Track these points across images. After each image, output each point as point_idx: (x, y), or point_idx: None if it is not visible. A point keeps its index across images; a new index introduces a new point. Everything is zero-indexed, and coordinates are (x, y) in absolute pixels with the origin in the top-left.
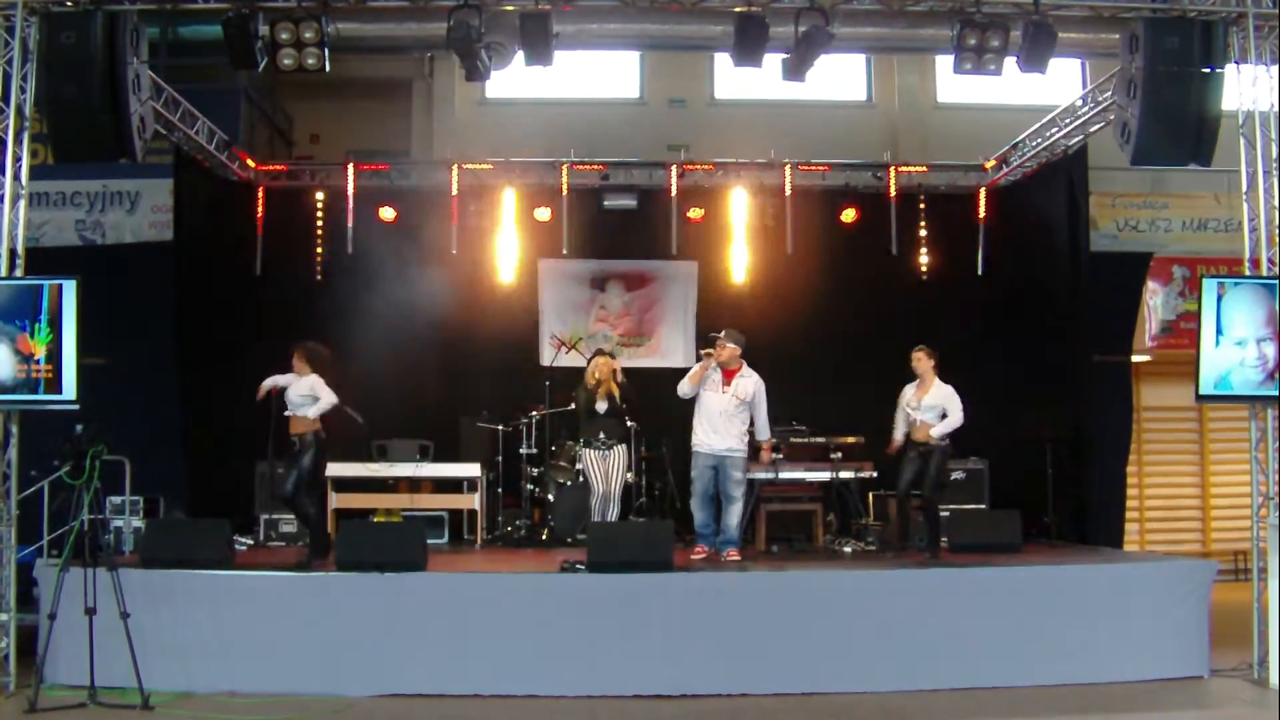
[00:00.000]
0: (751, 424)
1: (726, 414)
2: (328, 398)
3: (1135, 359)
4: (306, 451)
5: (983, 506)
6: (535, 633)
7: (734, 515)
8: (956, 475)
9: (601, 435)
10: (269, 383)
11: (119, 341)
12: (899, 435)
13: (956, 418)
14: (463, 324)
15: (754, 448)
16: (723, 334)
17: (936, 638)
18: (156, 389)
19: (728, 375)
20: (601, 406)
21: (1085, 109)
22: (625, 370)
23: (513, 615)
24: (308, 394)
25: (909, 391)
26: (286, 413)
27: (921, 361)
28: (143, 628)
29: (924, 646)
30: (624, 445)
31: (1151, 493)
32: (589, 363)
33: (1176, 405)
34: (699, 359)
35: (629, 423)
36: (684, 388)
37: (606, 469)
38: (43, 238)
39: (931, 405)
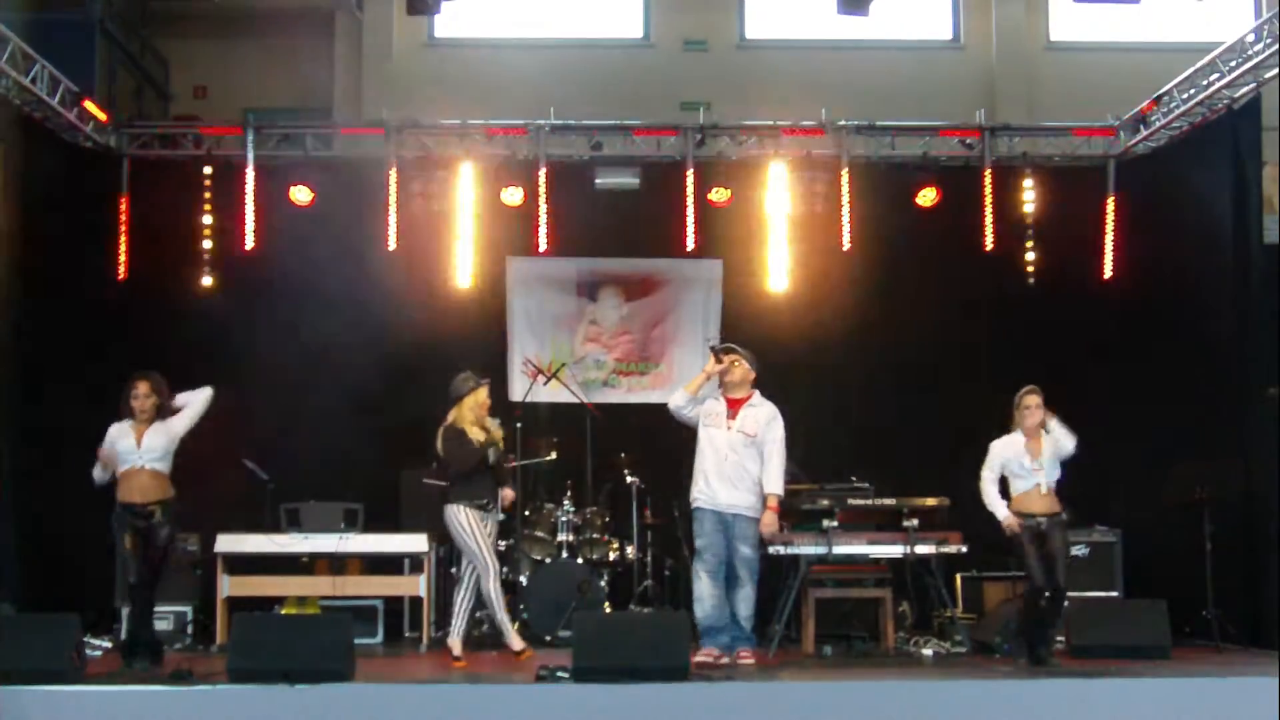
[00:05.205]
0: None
1: (733, 456)
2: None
3: None
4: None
5: (1115, 594)
6: None
7: (745, 603)
8: (1077, 551)
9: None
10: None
11: None
12: (1007, 511)
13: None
14: (404, 346)
15: None
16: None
17: None
18: None
19: (733, 405)
20: (493, 454)
21: (1259, 46)
22: (625, 407)
23: None
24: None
25: (1012, 447)
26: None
27: (1037, 411)
28: None
29: None
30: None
31: None
32: (471, 390)
33: None
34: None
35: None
36: (677, 398)
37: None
38: None
39: (1053, 457)
